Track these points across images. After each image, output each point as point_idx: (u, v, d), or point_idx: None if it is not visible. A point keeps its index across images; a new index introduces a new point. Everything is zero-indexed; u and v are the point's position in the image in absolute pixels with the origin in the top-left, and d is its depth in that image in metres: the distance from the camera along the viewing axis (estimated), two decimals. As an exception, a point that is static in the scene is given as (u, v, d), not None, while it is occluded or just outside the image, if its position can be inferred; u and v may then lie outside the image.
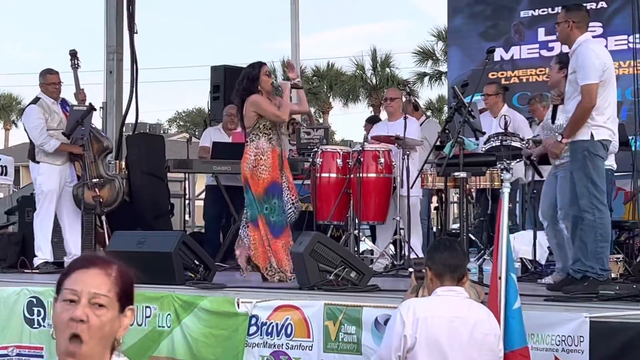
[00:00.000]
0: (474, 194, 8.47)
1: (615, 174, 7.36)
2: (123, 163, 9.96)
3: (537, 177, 7.76)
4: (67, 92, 8.67)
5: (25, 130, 8.53)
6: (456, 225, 11.17)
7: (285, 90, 7.44)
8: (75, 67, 8.79)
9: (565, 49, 6.62)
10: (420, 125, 9.19)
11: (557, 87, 6.81)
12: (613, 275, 6.55)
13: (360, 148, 8.30)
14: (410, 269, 6.25)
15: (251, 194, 7.26)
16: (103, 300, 2.16)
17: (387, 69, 34.85)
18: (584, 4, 7.01)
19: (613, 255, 7.17)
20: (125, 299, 2.24)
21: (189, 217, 12.27)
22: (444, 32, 28.41)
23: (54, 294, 2.25)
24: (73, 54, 8.86)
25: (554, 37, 7.51)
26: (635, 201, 8.32)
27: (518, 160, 7.56)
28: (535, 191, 7.69)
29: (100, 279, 2.19)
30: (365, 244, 8.85)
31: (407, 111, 8.64)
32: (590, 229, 6.00)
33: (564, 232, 6.50)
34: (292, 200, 7.34)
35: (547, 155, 6.78)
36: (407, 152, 8.08)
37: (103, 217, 8.47)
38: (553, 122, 6.79)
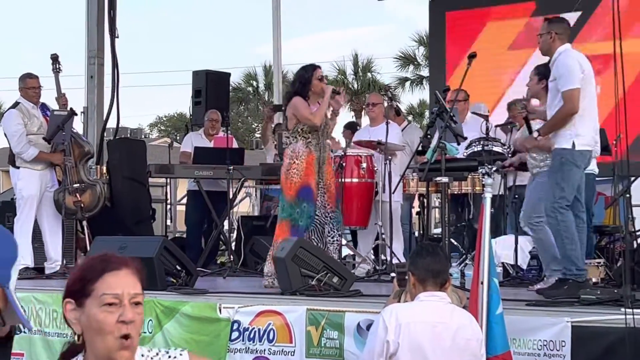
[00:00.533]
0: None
1: (596, 179, 7.39)
2: (104, 168, 9.93)
3: (518, 182, 7.79)
4: (48, 97, 8.64)
5: (5, 134, 8.49)
6: (438, 230, 11.19)
7: (326, 94, 7.24)
8: (56, 71, 8.76)
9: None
10: (402, 130, 9.22)
11: (537, 97, 6.85)
12: (594, 280, 6.58)
13: (343, 153, 8.31)
14: (393, 274, 6.25)
15: (283, 198, 7.19)
16: (140, 299, 2.28)
17: (369, 74, 34.82)
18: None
19: (594, 260, 7.20)
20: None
21: (171, 222, 12.23)
22: (425, 38, 28.49)
23: (69, 298, 2.26)
24: (54, 58, 8.82)
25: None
26: (616, 206, 8.34)
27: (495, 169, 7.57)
28: (516, 196, 7.70)
29: (131, 278, 2.28)
30: (347, 249, 8.85)
31: (389, 116, 8.66)
32: (556, 233, 6.05)
33: (530, 233, 6.60)
34: (327, 207, 7.18)
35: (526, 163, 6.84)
36: (389, 157, 8.09)
37: (84, 222, 8.44)
38: (530, 132, 6.80)
